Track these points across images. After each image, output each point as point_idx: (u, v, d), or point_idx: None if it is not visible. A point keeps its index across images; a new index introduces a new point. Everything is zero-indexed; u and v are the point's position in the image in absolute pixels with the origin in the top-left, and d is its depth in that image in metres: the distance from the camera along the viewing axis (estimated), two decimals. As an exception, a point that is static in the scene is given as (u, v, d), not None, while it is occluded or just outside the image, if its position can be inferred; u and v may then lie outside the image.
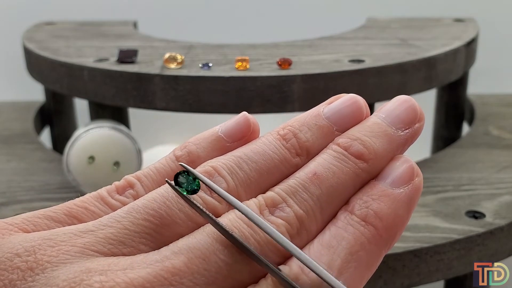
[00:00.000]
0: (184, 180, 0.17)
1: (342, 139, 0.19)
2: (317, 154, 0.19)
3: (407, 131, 0.19)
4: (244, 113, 0.20)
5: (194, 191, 0.17)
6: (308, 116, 0.20)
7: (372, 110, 0.53)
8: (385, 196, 0.18)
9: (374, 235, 0.17)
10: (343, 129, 0.19)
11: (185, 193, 0.17)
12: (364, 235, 0.17)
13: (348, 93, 0.51)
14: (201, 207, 0.17)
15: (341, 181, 0.18)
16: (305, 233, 0.17)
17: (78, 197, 0.19)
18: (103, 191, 0.19)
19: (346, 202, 0.18)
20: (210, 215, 0.16)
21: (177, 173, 0.17)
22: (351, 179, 0.18)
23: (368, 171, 0.18)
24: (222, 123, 0.20)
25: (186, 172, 0.17)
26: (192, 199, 0.17)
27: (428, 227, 0.43)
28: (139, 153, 0.49)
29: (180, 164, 0.18)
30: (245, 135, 0.20)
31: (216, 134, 0.20)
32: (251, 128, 0.20)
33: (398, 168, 0.18)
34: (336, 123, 0.19)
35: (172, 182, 0.17)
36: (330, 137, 0.19)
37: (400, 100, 0.20)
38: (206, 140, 0.20)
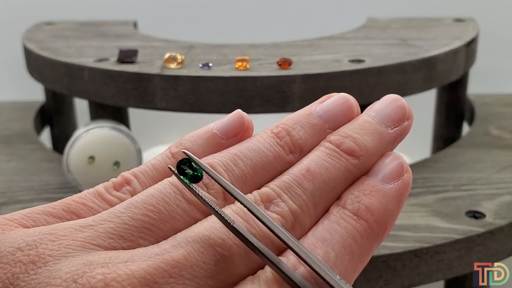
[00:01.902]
0: (187, 169, 0.18)
1: (334, 137, 0.19)
2: (310, 151, 0.20)
3: (396, 128, 0.20)
4: (238, 110, 0.21)
5: (197, 180, 0.18)
6: (300, 114, 0.20)
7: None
8: (376, 191, 0.18)
9: (365, 228, 0.18)
10: (334, 127, 0.20)
11: (187, 181, 0.17)
12: (356, 229, 0.18)
13: (348, 93, 0.51)
14: (202, 196, 0.17)
15: (333, 176, 0.19)
16: (299, 227, 0.18)
17: (76, 193, 0.19)
18: (100, 187, 0.19)
19: (338, 197, 0.19)
20: (213, 205, 0.17)
21: (180, 161, 0.18)
22: (343, 175, 0.19)
23: (359, 167, 0.19)
24: (217, 121, 0.21)
25: (188, 161, 0.18)
26: (194, 188, 0.17)
27: (428, 227, 0.43)
28: (139, 153, 0.49)
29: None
30: (240, 132, 0.21)
31: (211, 131, 0.21)
32: (245, 125, 0.21)
33: (388, 164, 0.19)
34: (327, 121, 0.20)
35: (175, 170, 0.17)
36: (322, 135, 0.20)
37: (389, 99, 0.20)
38: (201, 137, 0.20)
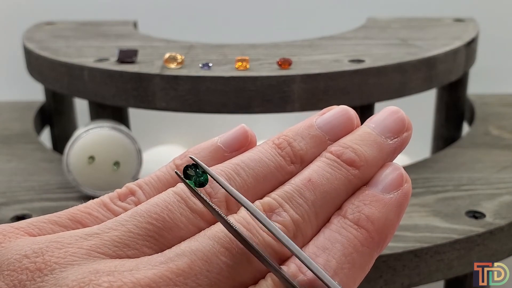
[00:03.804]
0: (192, 173, 0.18)
1: (334, 147, 0.20)
2: (311, 162, 0.20)
3: (395, 140, 0.20)
4: (243, 125, 0.22)
5: (202, 184, 0.18)
6: (301, 126, 0.21)
7: (372, 110, 0.53)
8: (376, 201, 0.19)
9: (366, 237, 0.18)
10: (335, 139, 0.20)
11: (193, 186, 0.18)
12: (357, 238, 0.18)
13: (348, 93, 0.51)
14: (208, 201, 0.17)
15: (334, 186, 0.19)
16: (300, 237, 0.18)
17: (80, 200, 0.19)
18: (105, 197, 0.20)
19: (339, 207, 0.19)
20: (218, 210, 0.17)
21: (186, 166, 0.18)
22: (343, 185, 0.19)
23: (360, 177, 0.19)
24: (221, 134, 0.21)
25: (194, 167, 0.18)
26: (200, 192, 0.17)
27: (428, 227, 0.43)
28: (139, 153, 0.49)
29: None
30: (243, 146, 0.21)
31: (215, 144, 0.21)
32: (249, 139, 0.21)
33: (388, 175, 0.19)
34: (328, 133, 0.21)
35: (181, 175, 0.18)
36: (323, 146, 0.20)
37: (389, 111, 0.21)
38: (205, 150, 0.21)
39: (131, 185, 0.20)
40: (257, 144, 0.21)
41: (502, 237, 0.43)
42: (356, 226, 0.18)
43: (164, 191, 0.19)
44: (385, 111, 0.21)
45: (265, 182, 0.19)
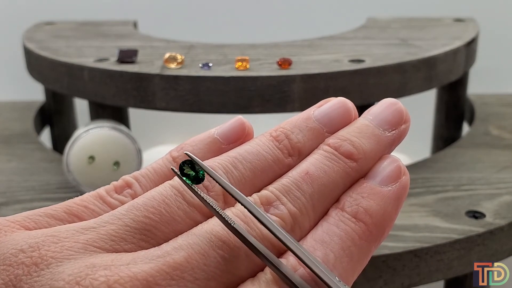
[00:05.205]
0: (189, 170, 0.18)
1: (332, 140, 0.20)
2: (309, 154, 0.20)
3: (393, 132, 0.20)
4: (239, 116, 0.21)
5: (199, 181, 0.18)
6: (299, 118, 0.21)
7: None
8: (374, 194, 0.19)
9: (364, 231, 0.18)
10: (332, 131, 0.20)
11: (189, 182, 0.18)
12: (355, 231, 0.18)
13: (348, 93, 0.51)
14: (204, 196, 0.17)
15: (332, 179, 0.19)
16: (298, 230, 0.18)
17: (77, 194, 0.19)
18: (102, 190, 0.19)
19: (337, 199, 0.19)
20: (214, 205, 0.17)
21: (182, 162, 0.18)
22: (341, 178, 0.19)
23: (358, 170, 0.19)
24: (218, 126, 0.21)
25: (190, 163, 0.18)
26: (196, 189, 0.17)
27: (428, 227, 0.43)
28: (139, 153, 0.49)
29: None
30: (240, 138, 0.21)
31: (212, 136, 0.21)
32: (246, 131, 0.21)
33: (386, 167, 0.19)
34: (326, 125, 0.20)
35: (178, 171, 0.18)
36: (321, 138, 0.20)
37: (387, 103, 0.21)
38: (202, 142, 0.21)
39: (128, 177, 0.20)
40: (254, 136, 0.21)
41: (502, 237, 0.43)
42: (354, 219, 0.18)
43: (161, 183, 0.19)
44: (383, 103, 0.21)
45: (263, 175, 0.19)
